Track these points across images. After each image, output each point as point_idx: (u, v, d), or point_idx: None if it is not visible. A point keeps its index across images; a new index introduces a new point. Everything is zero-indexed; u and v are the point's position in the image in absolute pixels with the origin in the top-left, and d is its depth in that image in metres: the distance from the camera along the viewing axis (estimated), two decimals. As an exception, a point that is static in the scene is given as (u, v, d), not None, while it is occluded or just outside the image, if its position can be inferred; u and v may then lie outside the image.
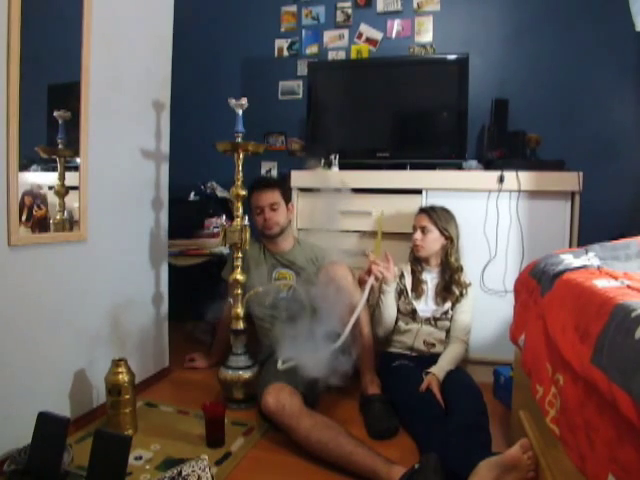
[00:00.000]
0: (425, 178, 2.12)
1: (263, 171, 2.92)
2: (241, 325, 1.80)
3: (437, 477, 1.15)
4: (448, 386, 1.65)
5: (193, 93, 2.97)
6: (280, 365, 1.57)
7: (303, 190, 2.24)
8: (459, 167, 2.28)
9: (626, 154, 2.38)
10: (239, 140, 1.74)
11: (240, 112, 1.73)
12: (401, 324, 1.90)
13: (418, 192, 2.12)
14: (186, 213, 2.59)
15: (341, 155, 2.35)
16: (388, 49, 2.68)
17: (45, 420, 1.26)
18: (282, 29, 2.88)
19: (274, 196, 1.91)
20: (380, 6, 2.69)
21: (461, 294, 1.88)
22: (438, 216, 1.89)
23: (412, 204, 2.10)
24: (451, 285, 1.88)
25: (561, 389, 0.89)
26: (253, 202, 1.92)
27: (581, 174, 1.92)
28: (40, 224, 1.42)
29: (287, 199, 1.97)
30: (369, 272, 1.77)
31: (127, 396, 1.52)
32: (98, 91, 1.58)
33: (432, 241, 1.88)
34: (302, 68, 2.80)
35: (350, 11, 2.75)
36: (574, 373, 0.82)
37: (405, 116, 2.46)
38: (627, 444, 0.64)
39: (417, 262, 1.94)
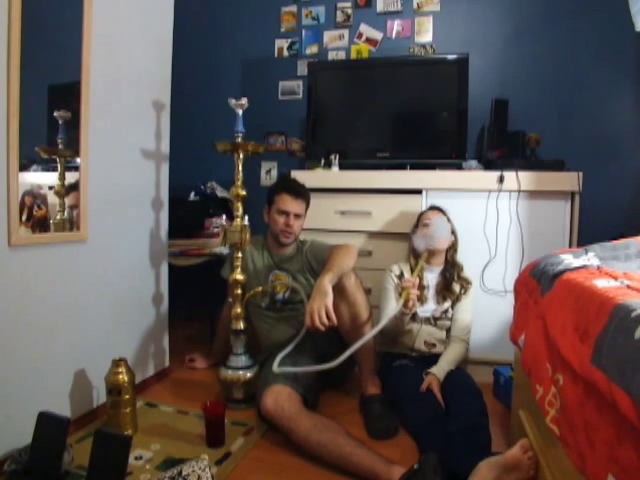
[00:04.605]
0: (425, 178, 2.12)
1: (263, 171, 2.93)
2: (241, 325, 1.80)
3: (436, 477, 1.15)
4: (448, 386, 1.65)
5: (193, 93, 2.98)
6: (275, 368, 1.57)
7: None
8: (459, 167, 2.28)
9: (626, 154, 2.38)
10: (239, 140, 1.74)
11: (240, 112, 1.73)
12: (401, 325, 1.89)
13: (418, 192, 2.12)
14: (186, 213, 2.59)
15: (341, 155, 2.35)
16: (388, 49, 2.68)
17: (45, 420, 1.27)
18: (282, 29, 2.88)
19: (302, 207, 1.90)
20: (380, 6, 2.69)
21: (462, 292, 1.89)
22: (448, 216, 1.94)
23: (412, 204, 2.11)
24: (452, 283, 1.89)
25: (561, 389, 0.89)
26: (280, 203, 1.87)
27: (581, 174, 1.92)
28: (40, 224, 1.42)
29: (306, 211, 1.97)
30: (407, 301, 1.68)
31: (127, 396, 1.52)
32: (98, 91, 1.58)
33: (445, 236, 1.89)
34: (302, 68, 2.81)
35: (350, 11, 2.75)
36: (574, 373, 0.82)
37: (405, 116, 2.46)
38: (627, 444, 0.64)
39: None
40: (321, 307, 1.46)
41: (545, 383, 1.00)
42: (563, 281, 1.05)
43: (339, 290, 1.67)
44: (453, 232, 1.93)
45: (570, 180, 1.95)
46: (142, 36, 1.82)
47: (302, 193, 1.92)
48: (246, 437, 1.55)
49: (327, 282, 1.53)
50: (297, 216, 1.89)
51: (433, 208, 1.98)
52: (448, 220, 1.93)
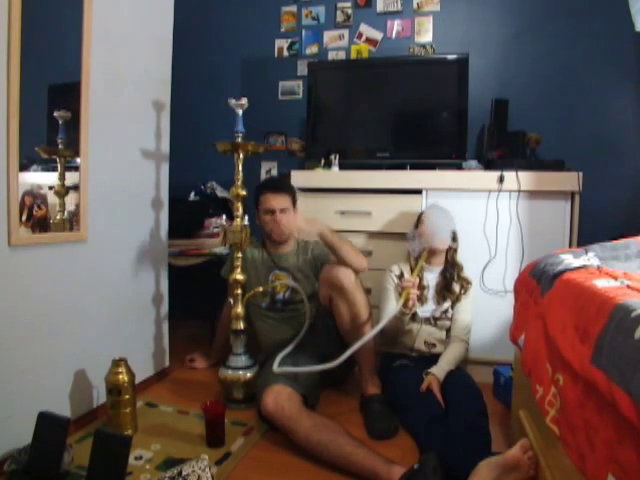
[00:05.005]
0: (425, 178, 2.12)
1: (263, 171, 2.92)
2: (241, 325, 1.80)
3: (436, 477, 1.15)
4: (448, 386, 1.65)
5: (193, 93, 2.98)
6: (276, 368, 1.57)
7: (303, 190, 2.23)
8: (459, 167, 2.28)
9: (626, 154, 2.38)
10: (239, 140, 1.74)
11: (240, 112, 1.73)
12: (401, 325, 1.89)
13: (418, 192, 2.12)
14: (186, 213, 2.59)
15: (341, 155, 2.35)
16: (388, 49, 2.68)
17: (45, 420, 1.27)
18: (282, 29, 2.88)
19: (286, 201, 1.89)
20: (380, 6, 2.69)
21: (462, 292, 1.89)
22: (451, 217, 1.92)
23: (412, 204, 2.10)
24: (452, 283, 1.89)
25: (561, 389, 0.89)
26: (264, 203, 1.88)
27: (581, 174, 1.92)
28: (40, 224, 1.42)
29: (294, 203, 1.96)
30: (406, 301, 1.69)
31: (127, 396, 1.52)
32: (98, 91, 1.58)
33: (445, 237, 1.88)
34: (302, 68, 2.80)
35: (350, 11, 2.75)
36: (574, 373, 0.82)
37: (405, 116, 2.46)
38: (627, 444, 0.64)
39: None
40: (306, 225, 1.64)
41: (545, 383, 1.00)
42: (563, 281, 1.05)
43: (339, 289, 1.67)
44: (455, 238, 1.92)
45: (570, 180, 1.95)
46: (142, 35, 1.82)
47: (282, 187, 1.92)
48: (246, 437, 1.55)
49: (324, 225, 1.67)
50: (283, 210, 1.88)
51: (435, 207, 1.96)
52: (450, 219, 1.90)
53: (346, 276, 1.67)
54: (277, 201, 1.87)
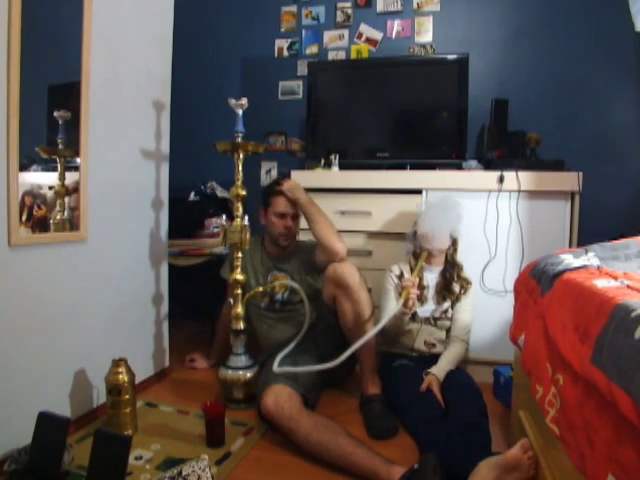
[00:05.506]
0: (425, 178, 2.12)
1: (263, 171, 2.93)
2: (241, 325, 1.80)
3: (437, 477, 1.15)
4: (448, 386, 1.65)
5: (193, 93, 2.98)
6: (276, 368, 1.57)
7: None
8: (459, 167, 2.28)
9: (626, 154, 2.38)
10: (239, 140, 1.74)
11: (240, 112, 1.73)
12: (401, 325, 1.89)
13: (418, 192, 2.12)
14: (186, 213, 2.59)
15: (341, 155, 2.35)
16: (388, 49, 2.68)
17: (45, 420, 1.27)
18: (282, 29, 2.88)
19: (296, 208, 1.88)
20: (380, 6, 2.69)
21: (462, 292, 1.89)
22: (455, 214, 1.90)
23: (412, 204, 2.11)
24: (452, 283, 1.89)
25: (561, 389, 0.89)
26: (277, 206, 1.87)
27: (581, 174, 1.93)
28: (40, 224, 1.42)
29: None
30: (406, 301, 1.70)
31: (127, 396, 1.52)
32: (98, 91, 1.58)
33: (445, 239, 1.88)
34: (302, 68, 2.81)
35: (350, 11, 2.75)
36: (574, 373, 0.82)
37: (405, 116, 2.46)
38: (627, 444, 0.64)
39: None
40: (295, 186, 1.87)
41: (545, 383, 1.00)
42: (563, 281, 1.05)
43: (344, 288, 1.67)
44: (455, 241, 1.92)
45: (570, 180, 1.95)
46: (142, 36, 1.82)
47: None
48: (246, 437, 1.55)
49: (305, 194, 1.85)
50: (294, 217, 1.89)
51: (434, 205, 1.94)
52: (452, 216, 1.88)
53: (351, 275, 1.67)
54: (291, 206, 1.87)
